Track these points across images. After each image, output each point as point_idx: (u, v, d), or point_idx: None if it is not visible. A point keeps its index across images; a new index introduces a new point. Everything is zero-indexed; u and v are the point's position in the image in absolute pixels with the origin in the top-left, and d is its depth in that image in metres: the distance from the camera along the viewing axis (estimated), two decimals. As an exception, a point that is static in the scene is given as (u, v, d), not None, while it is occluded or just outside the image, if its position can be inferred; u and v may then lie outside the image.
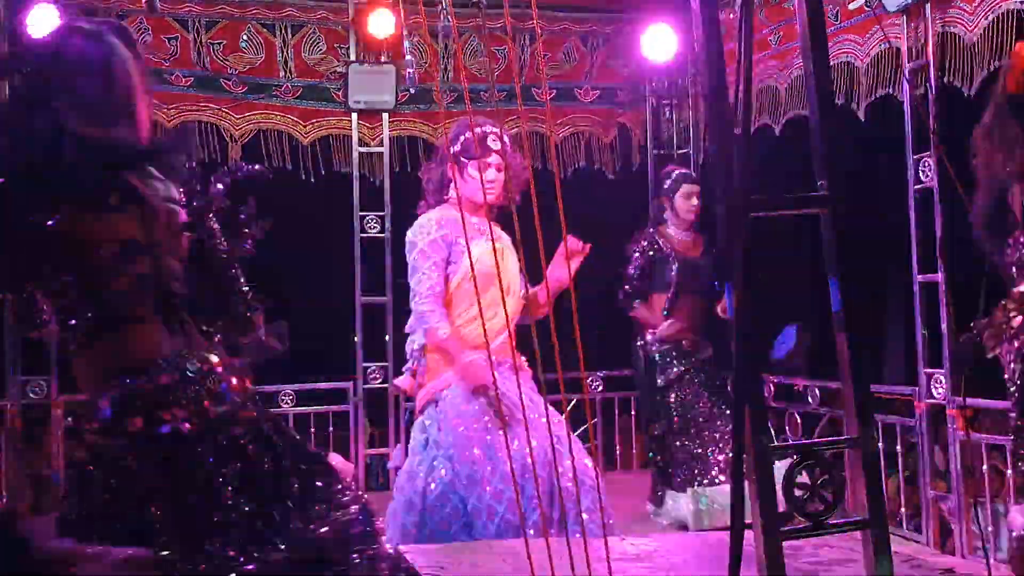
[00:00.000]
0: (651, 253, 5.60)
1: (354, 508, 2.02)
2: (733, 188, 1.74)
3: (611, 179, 6.94)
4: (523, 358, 3.92)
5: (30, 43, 2.43)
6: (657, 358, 5.52)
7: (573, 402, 5.85)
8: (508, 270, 3.85)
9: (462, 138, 3.94)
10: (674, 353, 5.53)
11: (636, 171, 7.01)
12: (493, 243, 3.03)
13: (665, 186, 5.72)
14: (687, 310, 5.57)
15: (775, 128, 5.88)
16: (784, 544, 1.77)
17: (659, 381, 5.49)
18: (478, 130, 3.84)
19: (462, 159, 3.91)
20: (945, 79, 4.59)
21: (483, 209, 3.73)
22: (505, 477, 3.58)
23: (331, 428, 6.42)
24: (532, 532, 3.42)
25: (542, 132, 6.61)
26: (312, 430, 6.42)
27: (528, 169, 3.56)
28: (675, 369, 5.50)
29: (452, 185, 3.96)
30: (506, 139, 3.84)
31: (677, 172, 5.78)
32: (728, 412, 5.33)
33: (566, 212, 2.15)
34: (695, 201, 5.63)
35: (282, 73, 6.39)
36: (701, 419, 5.43)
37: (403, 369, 4.26)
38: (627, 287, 5.60)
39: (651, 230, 5.67)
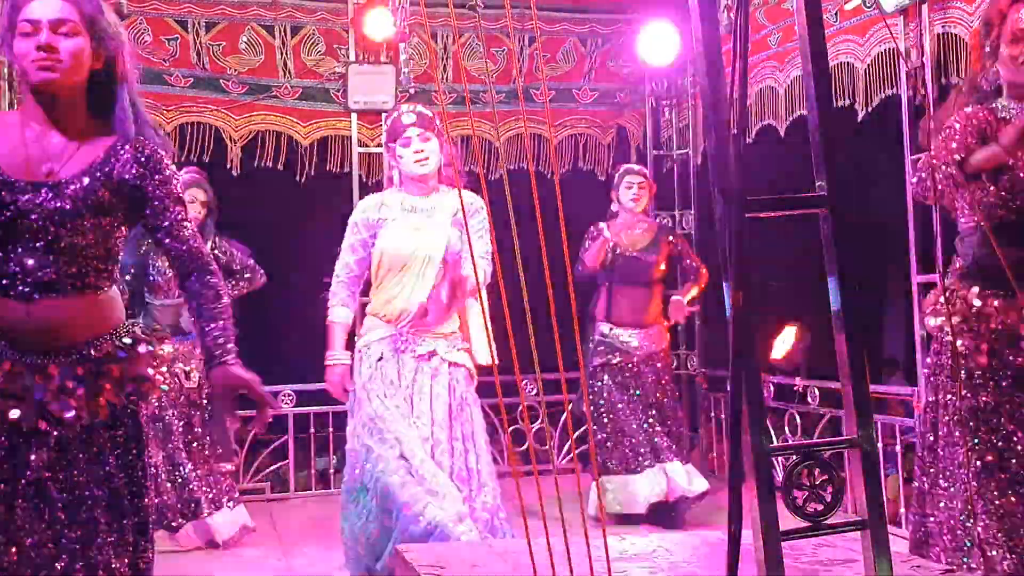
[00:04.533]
0: (601, 241, 5.57)
1: None
2: (730, 188, 1.74)
3: (607, 181, 6.95)
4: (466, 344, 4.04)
5: None
6: (591, 344, 5.60)
7: (572, 402, 5.85)
8: (428, 245, 3.92)
9: (385, 125, 4.17)
10: (606, 343, 5.57)
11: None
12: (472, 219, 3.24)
13: (614, 182, 5.75)
14: (626, 303, 5.58)
15: (780, 129, 5.89)
16: (784, 544, 1.77)
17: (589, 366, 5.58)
18: (394, 114, 4.06)
19: (390, 144, 4.05)
20: (944, 79, 4.60)
21: (431, 181, 3.96)
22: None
23: (331, 428, 6.43)
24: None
25: (540, 133, 6.62)
26: (312, 430, 6.44)
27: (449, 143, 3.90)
28: (600, 359, 5.55)
29: (395, 173, 4.14)
30: (428, 112, 3.95)
31: (623, 166, 5.81)
32: (641, 409, 5.47)
33: (563, 215, 2.15)
34: (636, 190, 5.61)
35: (281, 74, 6.40)
36: (615, 410, 5.48)
37: None
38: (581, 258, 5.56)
39: (601, 224, 5.67)
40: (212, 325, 2.29)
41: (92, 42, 2.25)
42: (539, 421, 6.46)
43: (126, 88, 2.31)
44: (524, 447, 6.52)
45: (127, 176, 2.26)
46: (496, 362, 2.49)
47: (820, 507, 1.84)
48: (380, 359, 3.94)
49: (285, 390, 6.36)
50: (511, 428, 6.31)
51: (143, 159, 2.29)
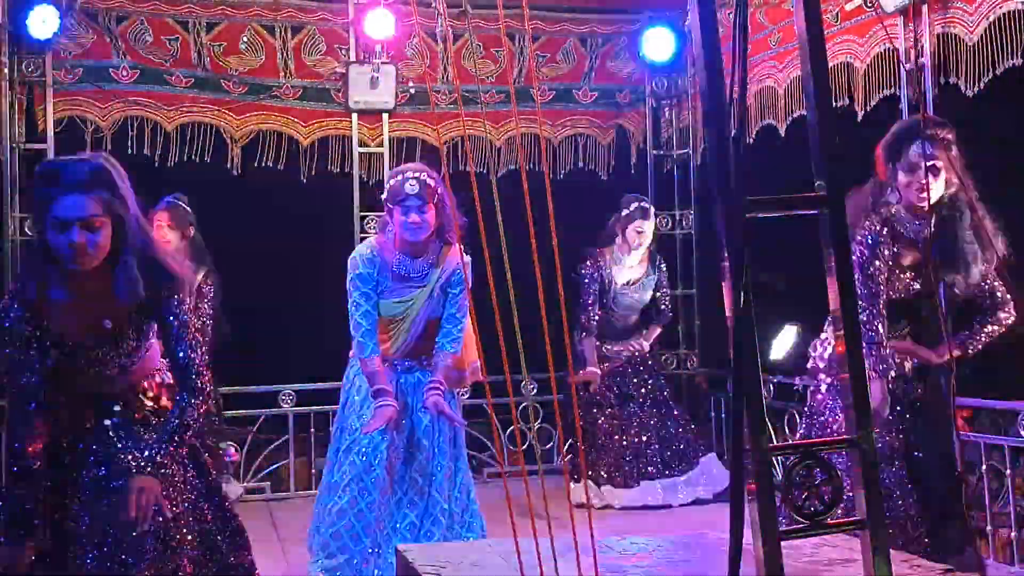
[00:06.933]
0: (597, 278, 5.81)
1: None
2: (730, 189, 1.74)
3: (607, 181, 6.95)
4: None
5: None
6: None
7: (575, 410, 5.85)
8: (414, 312, 4.13)
9: (388, 183, 4.12)
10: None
11: (635, 174, 7.02)
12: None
13: (622, 213, 5.83)
14: (617, 330, 5.98)
15: (780, 129, 5.89)
16: (783, 544, 1.77)
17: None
18: (398, 177, 4.04)
19: (389, 204, 4.07)
20: (945, 79, 4.60)
21: (422, 245, 4.05)
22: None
23: (331, 428, 6.42)
24: None
25: (538, 134, 6.63)
26: (312, 430, 6.44)
27: (458, 214, 3.85)
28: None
29: (387, 226, 4.16)
30: (431, 181, 3.99)
31: (635, 204, 5.85)
32: (630, 422, 5.78)
33: (563, 215, 2.15)
34: (645, 239, 5.82)
35: (282, 74, 6.40)
36: (596, 425, 5.75)
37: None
38: (585, 318, 5.80)
39: (597, 251, 5.87)
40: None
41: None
42: (529, 422, 6.45)
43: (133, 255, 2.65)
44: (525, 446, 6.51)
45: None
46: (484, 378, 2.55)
47: (819, 507, 1.84)
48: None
49: (285, 390, 6.36)
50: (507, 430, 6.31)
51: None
